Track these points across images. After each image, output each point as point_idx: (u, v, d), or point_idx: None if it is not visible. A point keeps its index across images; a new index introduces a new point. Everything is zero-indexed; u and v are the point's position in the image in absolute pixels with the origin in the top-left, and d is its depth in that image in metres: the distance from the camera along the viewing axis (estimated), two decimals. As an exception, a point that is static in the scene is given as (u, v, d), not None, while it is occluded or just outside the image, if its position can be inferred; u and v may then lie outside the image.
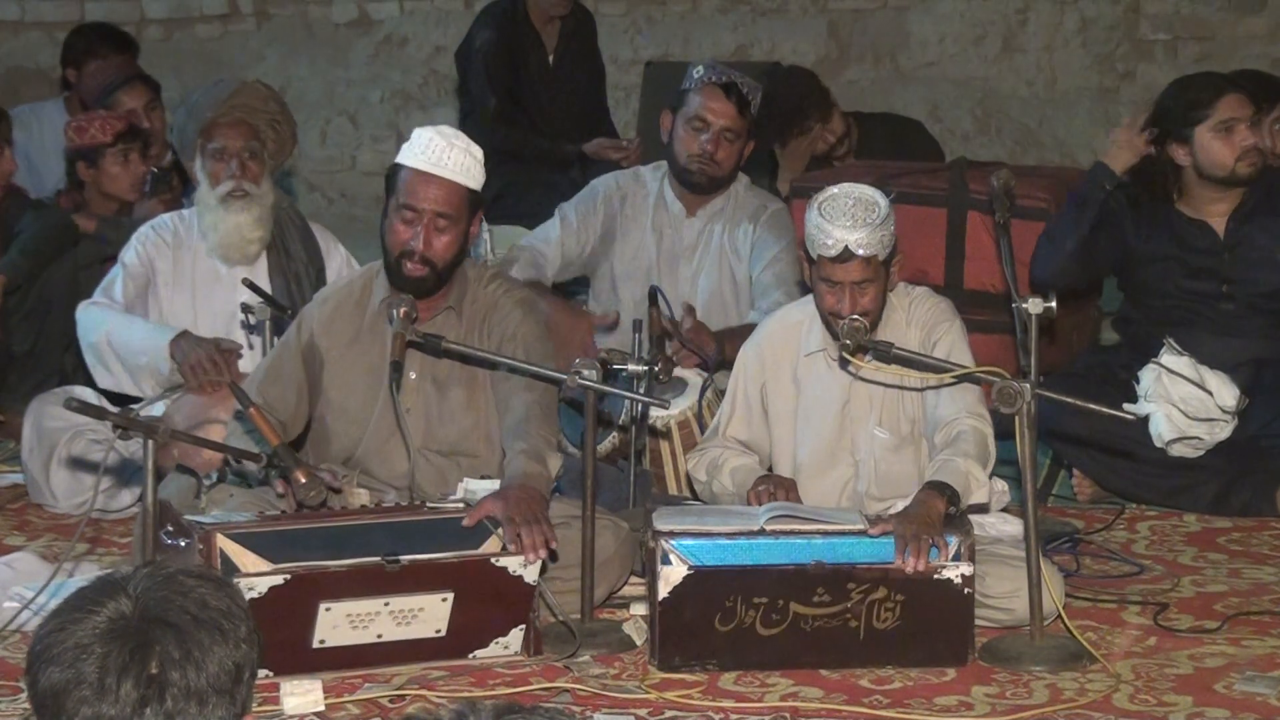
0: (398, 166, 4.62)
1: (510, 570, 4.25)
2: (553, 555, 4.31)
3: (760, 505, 4.44)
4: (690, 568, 4.24)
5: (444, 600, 4.23)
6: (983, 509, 4.50)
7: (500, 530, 4.30)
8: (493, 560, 4.26)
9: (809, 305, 4.71)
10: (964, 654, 4.26)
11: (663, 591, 4.24)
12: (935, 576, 4.22)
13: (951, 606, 4.24)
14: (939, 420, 4.55)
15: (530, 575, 4.26)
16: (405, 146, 4.63)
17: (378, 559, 4.19)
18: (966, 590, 4.24)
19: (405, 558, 4.19)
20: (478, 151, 4.63)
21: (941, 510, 4.26)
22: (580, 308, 5.77)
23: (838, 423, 4.69)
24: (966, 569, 4.24)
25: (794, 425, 4.73)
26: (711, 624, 4.25)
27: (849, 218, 4.43)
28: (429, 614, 4.24)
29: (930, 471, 4.41)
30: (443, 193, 4.57)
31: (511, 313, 4.72)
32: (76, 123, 6.54)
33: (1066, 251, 5.49)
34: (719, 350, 5.36)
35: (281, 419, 4.70)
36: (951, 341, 4.61)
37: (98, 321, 5.49)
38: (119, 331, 5.44)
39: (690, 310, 5.41)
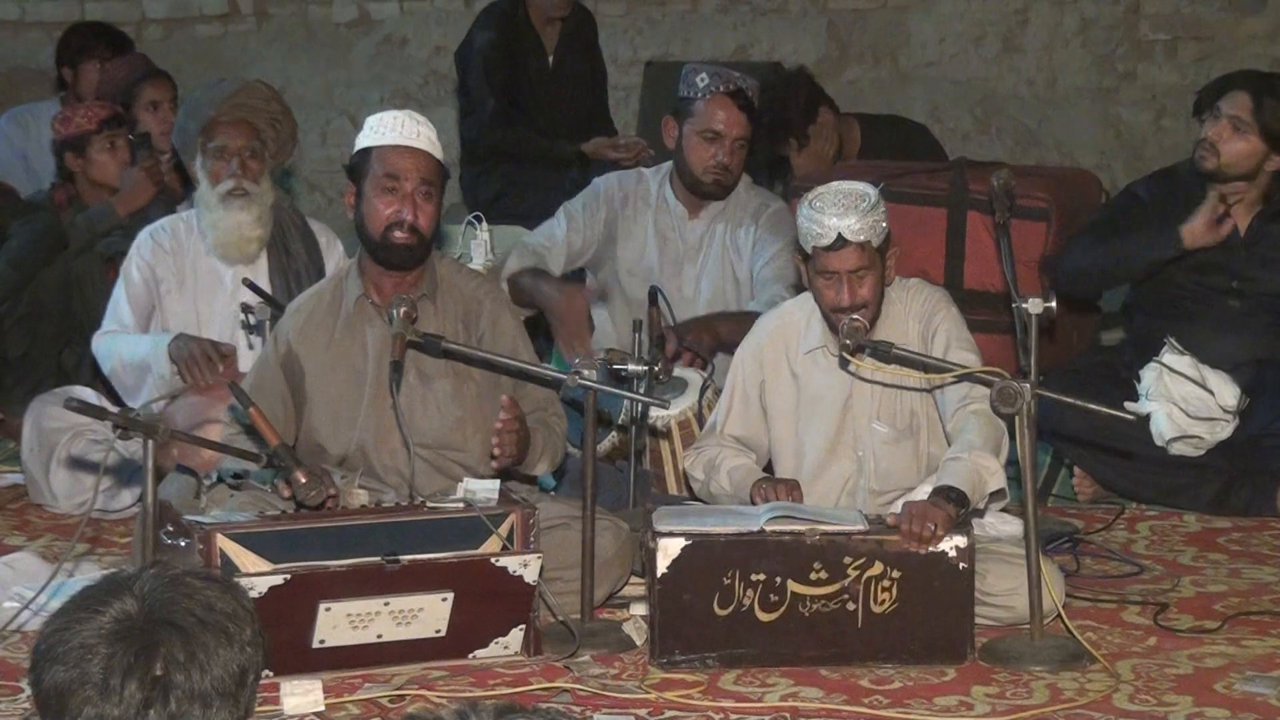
0: (366, 150, 4.63)
1: (510, 570, 4.25)
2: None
3: (761, 505, 4.44)
4: (689, 538, 4.24)
5: (444, 600, 4.24)
6: (1001, 494, 4.51)
7: (500, 529, 4.30)
8: (492, 560, 4.26)
9: (807, 302, 4.72)
10: (963, 641, 4.26)
11: (662, 566, 4.24)
12: (931, 550, 4.23)
13: (949, 585, 4.24)
14: (947, 411, 4.56)
15: (530, 575, 4.26)
16: (366, 132, 4.65)
17: (377, 559, 4.20)
18: (963, 565, 4.24)
19: (405, 557, 4.20)
20: (434, 132, 4.68)
21: (950, 513, 4.26)
22: (571, 283, 5.75)
23: (839, 418, 4.69)
24: (961, 541, 4.24)
25: (795, 422, 4.73)
26: (710, 608, 4.25)
27: (838, 206, 4.47)
28: (429, 614, 4.24)
29: (939, 475, 4.42)
30: (423, 161, 4.61)
31: (490, 309, 4.75)
32: (61, 114, 6.51)
33: (1106, 271, 5.57)
34: (715, 336, 5.37)
35: None
36: (949, 328, 4.62)
37: (108, 350, 5.50)
38: (125, 353, 5.45)
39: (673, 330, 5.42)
